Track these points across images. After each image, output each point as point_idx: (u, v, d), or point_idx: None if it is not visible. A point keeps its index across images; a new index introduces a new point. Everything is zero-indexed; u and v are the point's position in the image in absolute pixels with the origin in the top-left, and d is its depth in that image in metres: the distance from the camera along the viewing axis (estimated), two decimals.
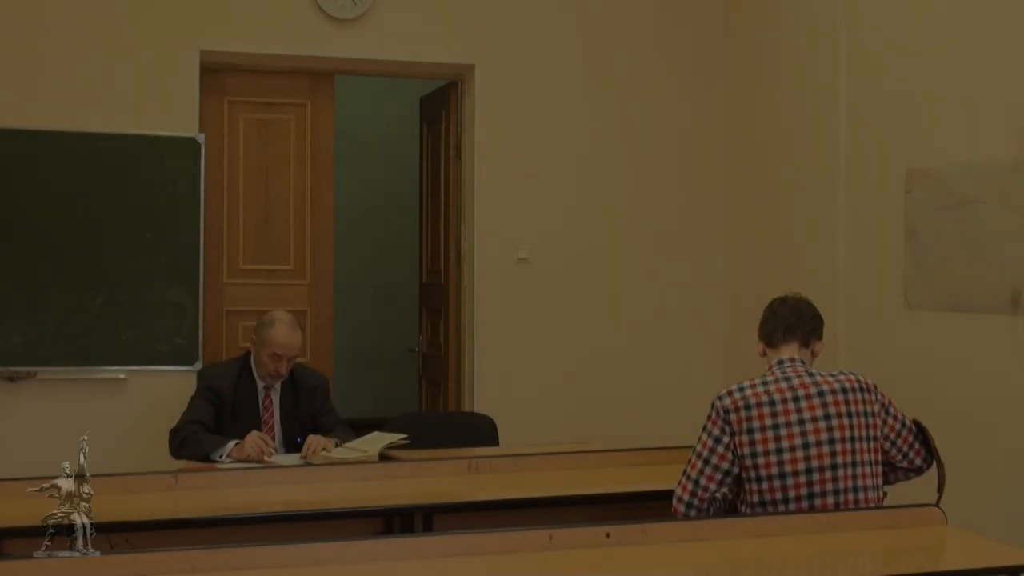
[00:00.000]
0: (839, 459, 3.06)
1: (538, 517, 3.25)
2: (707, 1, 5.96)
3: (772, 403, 3.09)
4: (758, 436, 3.07)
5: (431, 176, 6.29)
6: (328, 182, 5.72)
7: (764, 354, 3.29)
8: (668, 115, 5.93)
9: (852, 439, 3.08)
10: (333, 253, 5.75)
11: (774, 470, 3.06)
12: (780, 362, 3.21)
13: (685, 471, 3.13)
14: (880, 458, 3.17)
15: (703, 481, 3.10)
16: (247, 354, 4.40)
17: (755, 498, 3.09)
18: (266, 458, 3.92)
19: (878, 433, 3.15)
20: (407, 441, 4.23)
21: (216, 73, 5.50)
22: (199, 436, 4.10)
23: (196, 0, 5.31)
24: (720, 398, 3.14)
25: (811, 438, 3.06)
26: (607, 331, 5.84)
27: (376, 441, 4.21)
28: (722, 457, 3.10)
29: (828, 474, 3.05)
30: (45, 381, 5.11)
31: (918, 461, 3.26)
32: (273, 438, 4.24)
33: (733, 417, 3.10)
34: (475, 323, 5.70)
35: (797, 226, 5.36)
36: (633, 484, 3.57)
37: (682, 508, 3.11)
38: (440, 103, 6.10)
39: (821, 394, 3.11)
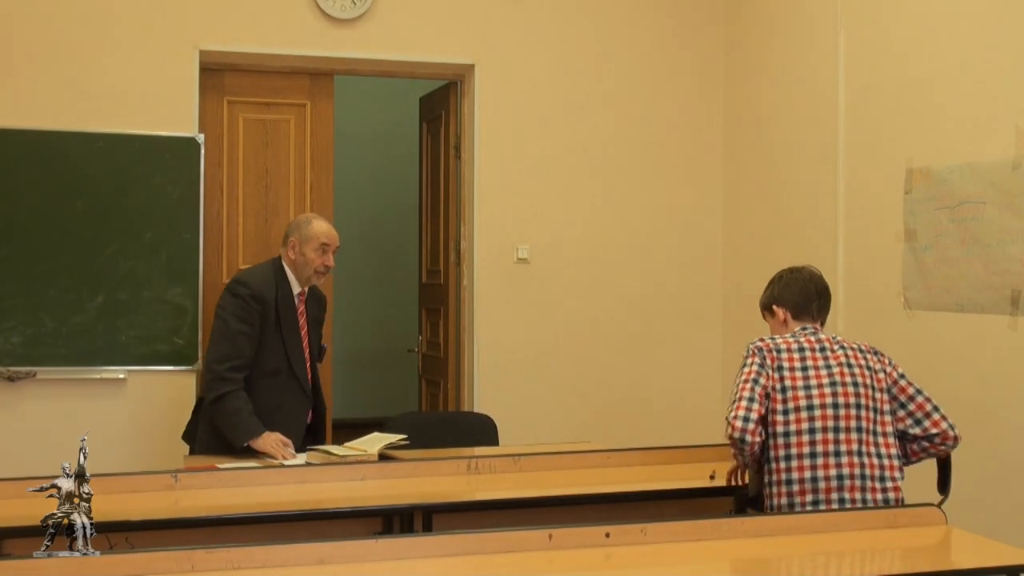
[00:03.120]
0: (862, 400, 3.27)
1: (538, 517, 3.25)
2: (707, 1, 5.96)
3: (801, 349, 3.33)
4: (787, 374, 3.28)
5: (431, 176, 6.29)
6: (328, 182, 5.72)
7: (784, 322, 3.47)
8: (668, 115, 5.93)
9: (873, 388, 3.29)
10: None
11: (802, 403, 3.25)
12: (804, 328, 3.42)
13: (735, 397, 3.27)
14: (895, 430, 3.31)
15: (756, 398, 3.24)
16: (275, 261, 4.24)
17: (780, 428, 3.23)
18: (284, 460, 3.91)
19: (888, 396, 3.32)
20: (407, 441, 4.23)
21: (216, 73, 5.50)
22: (239, 419, 3.97)
23: (196, 0, 5.32)
24: (752, 343, 3.37)
25: (837, 378, 3.28)
26: (607, 331, 5.84)
27: (376, 441, 4.21)
28: (768, 378, 3.27)
29: (852, 412, 3.25)
30: (45, 381, 5.11)
31: (934, 430, 3.32)
32: (307, 346, 4.22)
33: (767, 355, 3.33)
34: (475, 323, 5.71)
35: (797, 226, 5.36)
36: (633, 484, 3.57)
37: (739, 423, 3.21)
38: (440, 103, 6.10)
39: (843, 348, 3.35)
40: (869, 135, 4.86)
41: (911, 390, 3.34)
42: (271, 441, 3.96)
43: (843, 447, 3.21)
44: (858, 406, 3.26)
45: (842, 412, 3.24)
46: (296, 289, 4.22)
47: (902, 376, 3.36)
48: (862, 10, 4.92)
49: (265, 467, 3.79)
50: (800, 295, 3.47)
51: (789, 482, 3.21)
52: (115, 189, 5.18)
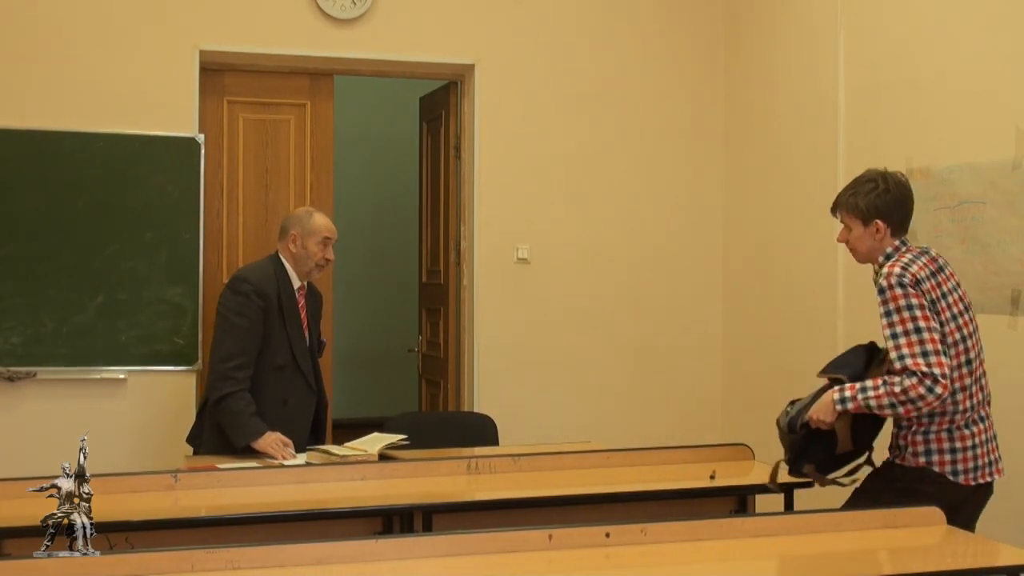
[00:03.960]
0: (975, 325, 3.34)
1: (538, 517, 3.25)
2: (707, 1, 5.96)
3: (934, 273, 3.22)
4: (942, 304, 3.19)
5: (431, 176, 6.29)
6: (328, 182, 5.72)
7: (881, 237, 3.30)
8: (668, 115, 5.93)
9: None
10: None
11: (957, 335, 3.21)
12: (922, 249, 3.32)
13: (922, 349, 3.08)
14: None
15: (941, 348, 3.12)
16: (273, 256, 4.26)
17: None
18: (284, 461, 3.92)
19: None
20: (407, 441, 4.24)
21: (215, 73, 5.50)
22: (241, 420, 3.99)
23: (196, 0, 5.32)
24: (896, 276, 3.15)
25: (964, 302, 3.28)
26: (607, 331, 5.84)
27: (376, 441, 4.21)
28: (936, 316, 3.16)
29: (976, 338, 3.31)
30: (45, 381, 5.11)
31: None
32: (308, 339, 4.25)
33: (926, 285, 3.17)
34: (475, 323, 5.71)
35: (797, 226, 5.36)
36: (633, 484, 3.57)
37: (944, 380, 3.09)
38: (440, 103, 6.10)
39: (948, 266, 3.34)
40: (869, 135, 4.86)
41: None
42: (271, 441, 3.97)
43: (982, 369, 3.32)
44: (975, 331, 3.29)
45: (971, 342, 3.27)
46: (296, 283, 4.24)
47: None
48: (862, 10, 4.92)
49: (265, 467, 3.80)
50: (905, 213, 3.32)
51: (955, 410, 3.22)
52: (115, 189, 5.18)
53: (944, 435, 3.23)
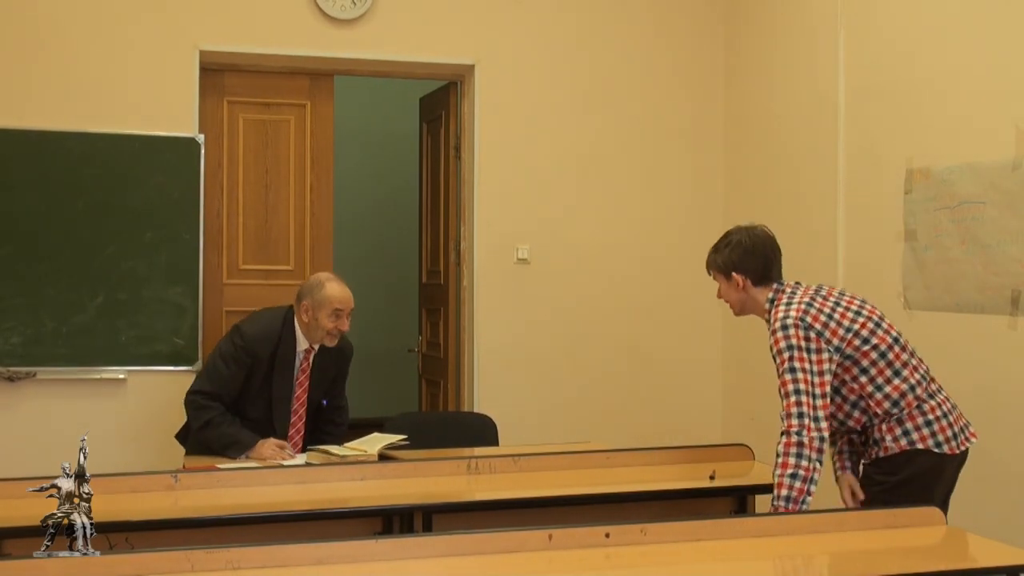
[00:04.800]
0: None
1: (538, 517, 3.25)
2: (707, 1, 5.96)
3: (836, 302, 3.31)
4: (857, 326, 3.26)
5: (431, 176, 6.29)
6: (328, 182, 5.72)
7: (744, 288, 3.42)
8: (668, 115, 5.93)
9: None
10: (333, 253, 5.75)
11: (888, 340, 3.28)
12: (780, 283, 3.42)
13: (805, 392, 3.15)
14: None
15: (828, 393, 3.19)
16: (289, 311, 4.22)
17: (878, 373, 3.26)
18: (283, 461, 3.93)
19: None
20: (407, 441, 4.23)
21: (215, 73, 5.50)
22: (227, 428, 4.04)
23: (196, 0, 5.32)
24: (788, 319, 3.24)
25: (875, 317, 3.33)
26: (607, 331, 5.84)
27: (376, 441, 4.21)
28: (830, 358, 3.22)
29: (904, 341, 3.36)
30: (45, 381, 5.11)
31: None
32: (304, 402, 4.22)
33: (821, 327, 3.23)
34: (475, 323, 5.70)
35: (796, 226, 5.35)
36: (633, 484, 3.57)
37: (820, 426, 3.13)
38: (440, 103, 6.10)
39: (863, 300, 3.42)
40: (869, 135, 4.86)
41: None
42: (268, 449, 3.99)
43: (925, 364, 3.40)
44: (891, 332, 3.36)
45: (903, 338, 3.35)
46: (303, 346, 4.20)
47: None
48: (862, 10, 4.92)
49: (265, 467, 3.80)
50: (763, 261, 3.43)
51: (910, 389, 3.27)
52: (115, 189, 5.18)
53: (916, 412, 3.27)
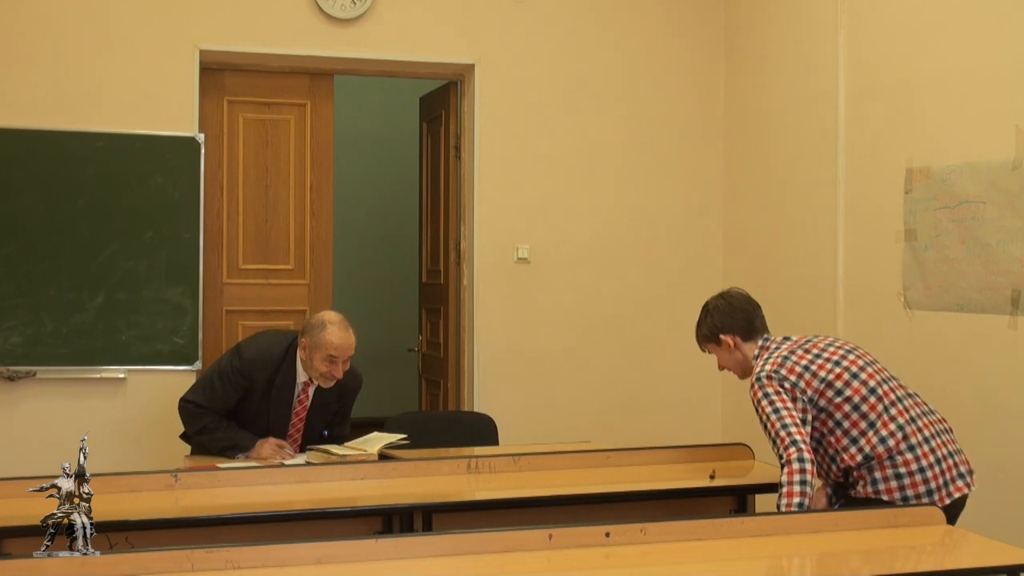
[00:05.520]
0: (888, 373, 3.38)
1: (538, 517, 3.25)
2: (707, 1, 5.96)
3: (811, 354, 3.32)
4: (832, 376, 3.26)
5: (431, 176, 6.29)
6: (328, 182, 5.72)
7: (736, 347, 3.48)
8: (667, 115, 5.93)
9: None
10: (333, 253, 5.75)
11: (846, 376, 3.27)
12: (766, 339, 3.45)
13: (775, 429, 3.19)
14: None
15: (799, 422, 3.20)
16: (295, 339, 4.18)
17: (845, 408, 3.24)
18: (284, 460, 3.94)
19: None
20: (407, 441, 4.23)
21: (215, 73, 5.50)
22: (222, 432, 4.06)
23: (196, 0, 5.32)
24: (762, 373, 3.28)
25: (862, 360, 3.33)
26: (607, 331, 5.84)
27: (376, 441, 4.21)
28: (800, 393, 3.24)
29: (894, 382, 3.35)
30: (45, 381, 5.11)
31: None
32: (300, 431, 4.21)
33: (786, 379, 3.26)
34: (475, 323, 5.70)
35: (797, 226, 5.36)
36: (633, 484, 3.57)
37: (795, 448, 3.13)
38: (440, 103, 6.10)
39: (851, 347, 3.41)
40: (869, 135, 4.86)
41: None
42: (267, 449, 4.00)
43: (923, 408, 3.34)
44: (892, 378, 3.35)
45: (894, 384, 3.34)
46: (302, 377, 4.17)
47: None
48: (862, 10, 4.92)
49: (265, 467, 3.80)
50: (745, 317, 3.49)
51: (882, 442, 3.23)
52: (115, 189, 5.18)
53: (887, 464, 3.23)
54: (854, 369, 3.30)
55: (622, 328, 5.86)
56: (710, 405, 5.95)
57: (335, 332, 4.04)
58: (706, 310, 3.60)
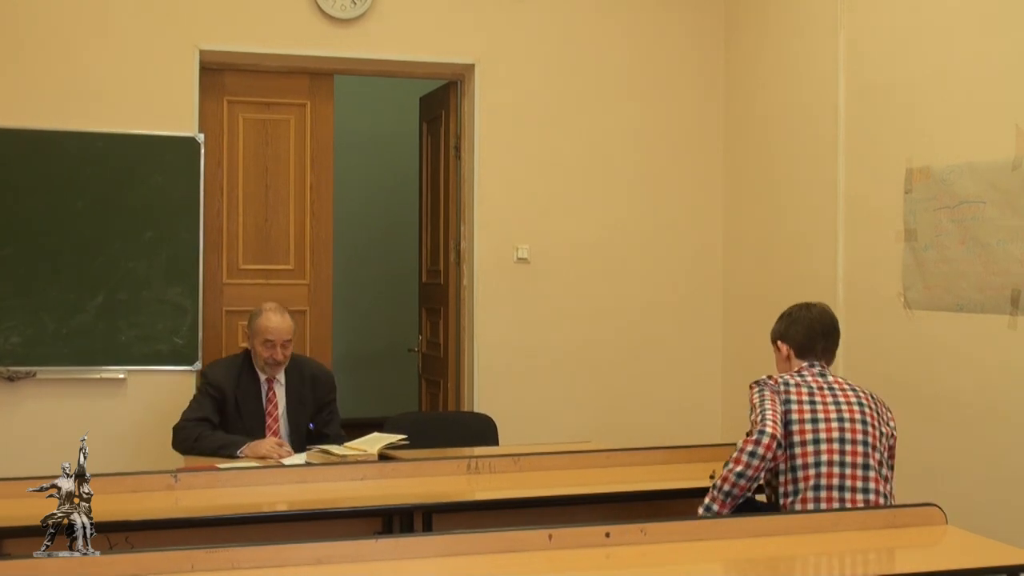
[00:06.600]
0: (869, 439, 3.23)
1: (538, 517, 3.25)
2: (707, 2, 5.96)
3: (809, 386, 3.32)
4: (794, 407, 3.26)
5: (431, 176, 6.29)
6: (328, 182, 5.72)
7: (788, 358, 3.47)
8: (667, 115, 5.93)
9: (880, 432, 3.28)
10: (333, 253, 5.75)
11: (808, 436, 3.21)
12: (811, 365, 3.41)
13: (753, 420, 3.24)
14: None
15: (777, 413, 3.22)
16: (247, 351, 4.47)
17: (788, 464, 3.22)
18: (282, 460, 3.95)
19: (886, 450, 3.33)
20: (407, 441, 4.24)
21: (215, 73, 5.50)
22: (214, 435, 4.19)
23: (196, 0, 5.32)
24: (756, 382, 3.34)
25: (846, 415, 3.26)
26: (606, 331, 5.84)
27: (376, 441, 4.21)
28: (777, 403, 3.26)
29: (860, 448, 3.22)
30: (45, 381, 5.11)
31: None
32: (278, 432, 4.31)
33: (769, 389, 3.30)
34: (475, 323, 5.70)
35: (796, 226, 5.36)
36: (633, 484, 3.57)
37: (768, 429, 3.17)
38: (440, 103, 6.10)
39: (855, 391, 3.35)
40: (869, 135, 4.86)
41: (892, 461, 3.35)
42: (266, 446, 4.01)
43: (847, 482, 3.19)
44: (865, 443, 3.23)
45: (848, 448, 3.22)
46: (264, 376, 4.39)
47: (894, 439, 3.37)
48: (862, 10, 4.92)
49: (265, 467, 3.80)
50: (805, 335, 3.46)
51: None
52: (115, 189, 5.18)
53: (790, 491, 3.24)
54: (820, 415, 3.26)
55: (622, 328, 5.86)
56: (710, 405, 5.95)
57: (270, 316, 4.35)
58: (785, 313, 3.55)
